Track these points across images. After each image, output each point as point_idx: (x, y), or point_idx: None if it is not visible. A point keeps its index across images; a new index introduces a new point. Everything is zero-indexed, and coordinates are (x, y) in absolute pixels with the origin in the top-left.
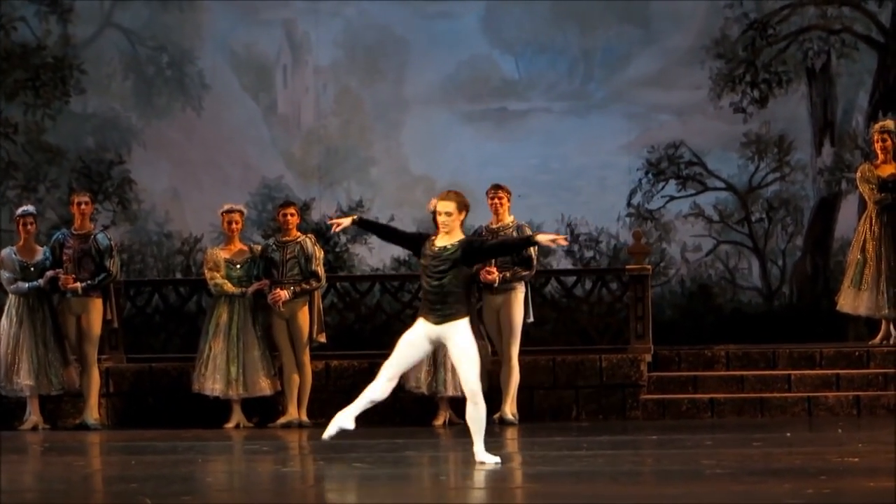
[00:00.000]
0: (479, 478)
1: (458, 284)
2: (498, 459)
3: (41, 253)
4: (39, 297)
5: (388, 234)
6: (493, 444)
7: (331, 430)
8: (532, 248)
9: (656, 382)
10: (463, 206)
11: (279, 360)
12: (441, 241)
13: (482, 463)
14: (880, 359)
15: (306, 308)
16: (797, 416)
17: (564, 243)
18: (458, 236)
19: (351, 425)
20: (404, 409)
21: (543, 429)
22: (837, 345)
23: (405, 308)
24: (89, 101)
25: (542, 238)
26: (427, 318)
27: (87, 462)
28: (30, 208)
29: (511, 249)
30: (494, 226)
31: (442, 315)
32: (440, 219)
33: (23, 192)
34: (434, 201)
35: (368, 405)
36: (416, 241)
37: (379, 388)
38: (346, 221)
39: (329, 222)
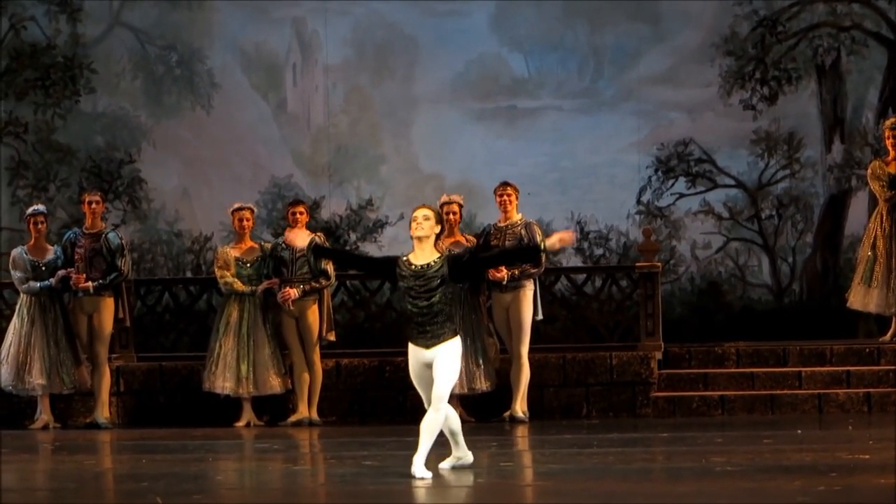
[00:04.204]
0: (490, 476)
1: (446, 303)
2: (429, 475)
3: (52, 252)
4: (51, 296)
5: (350, 261)
6: (503, 442)
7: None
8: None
9: (666, 380)
10: (440, 220)
11: (289, 359)
12: (420, 259)
13: (413, 475)
14: (891, 355)
15: (316, 306)
16: (808, 413)
17: (571, 240)
18: (435, 252)
19: (428, 474)
20: (414, 408)
21: (554, 426)
22: (848, 342)
23: None
24: (99, 101)
25: (551, 242)
26: (417, 344)
27: (98, 461)
28: (40, 207)
29: (513, 258)
30: (502, 224)
31: (433, 337)
32: (418, 224)
33: (33, 192)
34: (421, 210)
35: (432, 437)
36: (386, 266)
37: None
38: (303, 241)
39: (286, 240)
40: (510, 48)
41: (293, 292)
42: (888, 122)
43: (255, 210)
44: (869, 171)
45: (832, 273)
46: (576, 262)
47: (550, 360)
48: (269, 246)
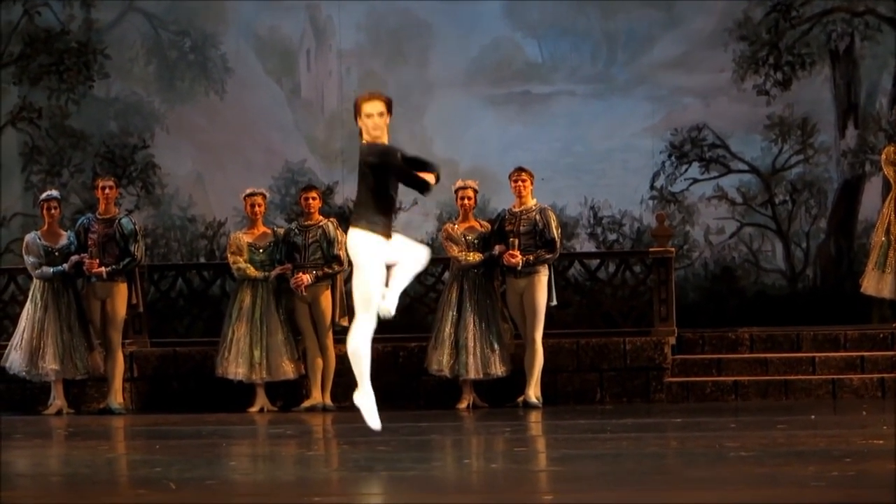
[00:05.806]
0: (503, 461)
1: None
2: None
3: (66, 237)
4: (64, 281)
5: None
6: (517, 427)
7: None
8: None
9: (680, 365)
10: (390, 106)
11: (302, 344)
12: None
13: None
14: None
15: (329, 292)
16: (821, 398)
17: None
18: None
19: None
20: (428, 393)
21: (567, 412)
22: (861, 327)
23: (428, 291)
24: (112, 86)
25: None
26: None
27: (112, 446)
28: (54, 193)
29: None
30: (517, 209)
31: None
32: (371, 121)
33: (47, 177)
34: (363, 106)
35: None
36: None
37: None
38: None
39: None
40: (524, 33)
41: (306, 278)
42: None
43: (268, 195)
44: (883, 156)
45: (846, 258)
46: (589, 247)
47: (564, 345)
48: (281, 231)
